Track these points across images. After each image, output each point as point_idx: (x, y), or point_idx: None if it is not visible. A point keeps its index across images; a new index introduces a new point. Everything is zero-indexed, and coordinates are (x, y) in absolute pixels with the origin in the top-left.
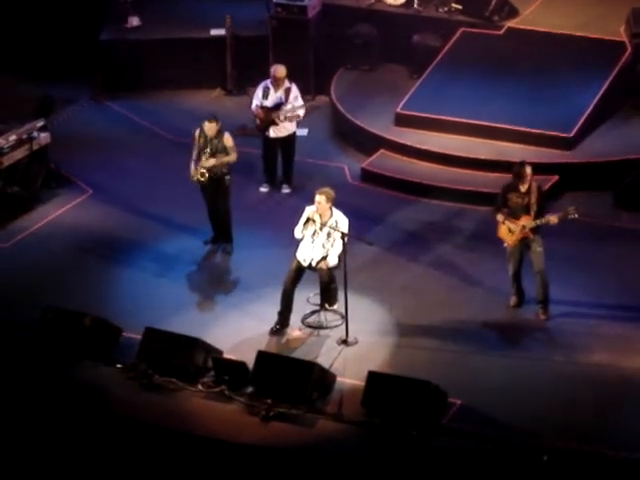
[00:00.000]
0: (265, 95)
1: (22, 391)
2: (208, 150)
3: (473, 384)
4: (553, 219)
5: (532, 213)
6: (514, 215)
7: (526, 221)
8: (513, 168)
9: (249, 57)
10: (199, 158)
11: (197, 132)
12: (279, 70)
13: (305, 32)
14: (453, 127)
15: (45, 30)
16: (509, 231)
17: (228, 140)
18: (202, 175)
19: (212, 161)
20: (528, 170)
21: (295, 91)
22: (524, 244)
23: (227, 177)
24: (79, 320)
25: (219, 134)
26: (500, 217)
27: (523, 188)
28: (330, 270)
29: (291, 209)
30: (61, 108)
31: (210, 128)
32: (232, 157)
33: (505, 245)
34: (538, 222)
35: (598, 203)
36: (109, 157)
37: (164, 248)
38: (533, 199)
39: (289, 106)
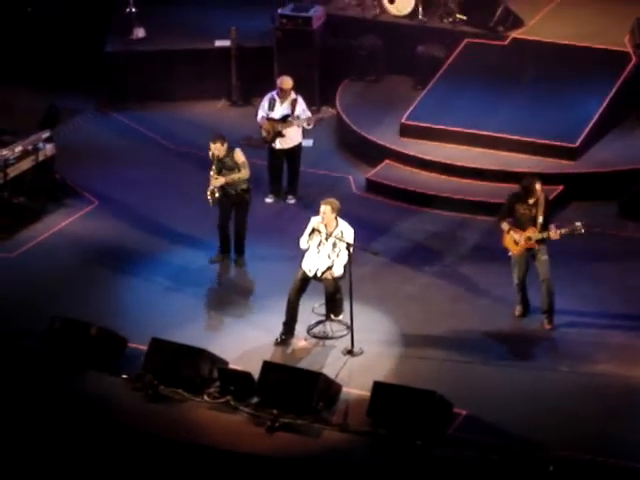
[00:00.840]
0: (271, 106)
1: (27, 400)
2: (214, 168)
3: (478, 394)
4: (559, 234)
5: (538, 225)
6: (520, 226)
7: (532, 233)
8: (522, 181)
9: (254, 68)
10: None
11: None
12: (285, 82)
13: (310, 43)
14: (458, 138)
15: (51, 41)
16: (514, 242)
17: (239, 157)
18: (211, 194)
19: (221, 180)
20: (538, 186)
21: (302, 103)
22: (529, 253)
23: (247, 195)
24: (85, 330)
25: (229, 152)
26: (505, 226)
27: (531, 200)
28: (335, 280)
29: (296, 219)
30: (67, 119)
31: (215, 148)
32: (243, 174)
33: (510, 254)
34: (544, 235)
35: (603, 213)
36: (115, 168)
37: (170, 259)
38: (540, 211)
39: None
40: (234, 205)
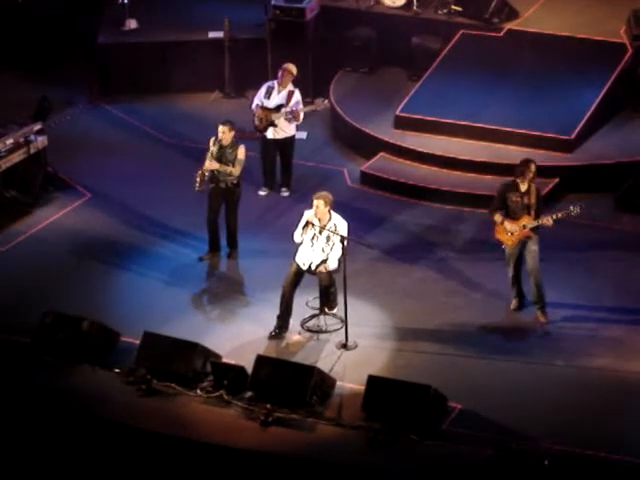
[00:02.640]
0: (268, 94)
1: (20, 395)
2: (213, 152)
3: (473, 388)
4: (554, 218)
5: (532, 213)
6: (513, 215)
7: (527, 221)
8: (518, 165)
9: (247, 60)
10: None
11: (212, 139)
12: (291, 65)
13: (303, 35)
14: (453, 130)
15: (43, 32)
16: (507, 233)
17: (241, 153)
18: (201, 176)
19: (215, 165)
20: (533, 167)
21: (298, 97)
22: (522, 244)
23: (237, 189)
24: (77, 324)
25: (234, 144)
26: (498, 218)
27: (523, 187)
28: (330, 274)
29: (290, 213)
30: (59, 111)
31: (222, 131)
32: (235, 169)
33: (504, 247)
34: (540, 222)
35: (599, 206)
36: (107, 160)
37: (163, 252)
38: (533, 199)
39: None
40: (224, 199)
